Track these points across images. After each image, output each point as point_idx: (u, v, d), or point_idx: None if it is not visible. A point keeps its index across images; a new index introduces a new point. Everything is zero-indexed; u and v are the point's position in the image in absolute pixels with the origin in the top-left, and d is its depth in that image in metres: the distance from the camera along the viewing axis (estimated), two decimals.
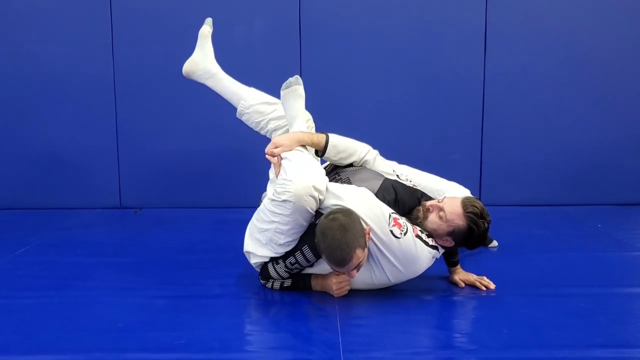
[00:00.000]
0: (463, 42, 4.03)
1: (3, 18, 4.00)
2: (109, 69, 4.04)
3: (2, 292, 2.43)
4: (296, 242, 2.30)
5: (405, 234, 2.23)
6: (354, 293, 2.36)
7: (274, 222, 2.27)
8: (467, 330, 2.10)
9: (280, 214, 2.24)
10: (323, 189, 2.27)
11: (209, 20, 2.85)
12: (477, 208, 2.29)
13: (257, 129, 2.80)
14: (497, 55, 4.05)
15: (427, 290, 2.45)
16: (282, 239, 2.28)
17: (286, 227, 2.26)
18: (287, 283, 2.40)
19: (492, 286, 2.45)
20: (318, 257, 2.26)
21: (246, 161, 3.62)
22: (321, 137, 2.51)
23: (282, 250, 2.32)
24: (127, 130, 4.11)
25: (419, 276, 2.53)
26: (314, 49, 4.02)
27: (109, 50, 4.02)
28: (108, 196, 4.16)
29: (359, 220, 2.17)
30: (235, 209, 3.82)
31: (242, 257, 2.57)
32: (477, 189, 4.09)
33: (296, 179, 2.21)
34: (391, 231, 2.21)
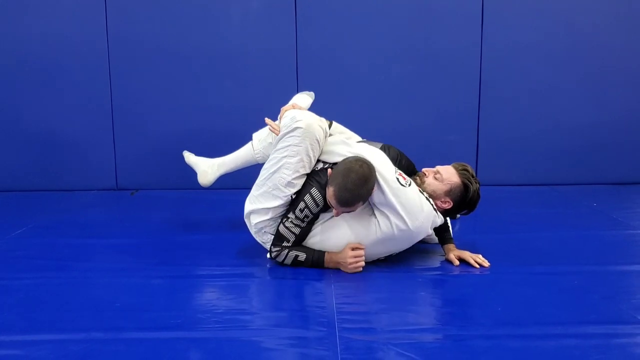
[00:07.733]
0: (460, 22, 4.00)
1: None
2: (104, 49, 4.00)
3: (0, 273, 2.44)
4: (300, 186, 2.41)
5: (409, 185, 2.36)
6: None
7: (283, 158, 2.40)
8: (462, 308, 2.12)
9: (289, 145, 2.39)
10: (327, 129, 2.49)
11: (185, 154, 3.16)
12: (468, 168, 2.55)
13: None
14: (494, 34, 4.02)
15: (422, 268, 2.47)
16: (290, 176, 2.38)
17: (295, 160, 2.38)
18: (301, 257, 2.42)
19: (487, 264, 2.47)
20: (325, 201, 2.35)
21: (243, 143, 3.58)
22: (325, 120, 2.61)
23: (288, 192, 2.39)
24: (123, 111, 4.09)
25: (413, 252, 2.56)
26: (310, 29, 3.98)
27: (103, 30, 3.98)
28: (104, 178, 4.16)
29: (376, 179, 2.30)
30: (231, 190, 3.81)
31: (239, 238, 2.58)
32: (474, 169, 4.08)
33: (304, 114, 2.44)
34: (397, 179, 2.34)
